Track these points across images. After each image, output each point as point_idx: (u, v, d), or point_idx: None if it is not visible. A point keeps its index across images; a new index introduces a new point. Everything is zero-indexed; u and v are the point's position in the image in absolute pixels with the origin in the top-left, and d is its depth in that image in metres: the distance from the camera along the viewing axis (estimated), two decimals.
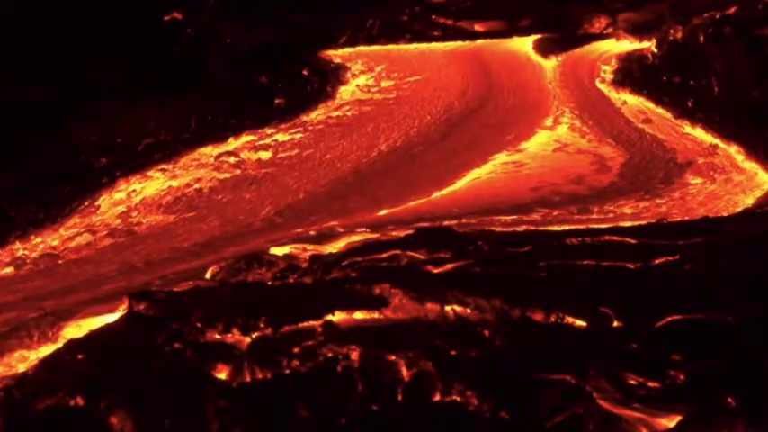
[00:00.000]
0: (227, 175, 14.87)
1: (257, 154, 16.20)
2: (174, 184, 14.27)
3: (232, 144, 16.96)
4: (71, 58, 16.97)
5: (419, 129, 18.31)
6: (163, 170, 15.19)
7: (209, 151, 16.64)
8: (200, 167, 15.42)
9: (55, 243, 12.61)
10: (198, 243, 12.01)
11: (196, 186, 14.01)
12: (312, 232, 12.17)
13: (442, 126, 18.65)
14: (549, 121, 19.22)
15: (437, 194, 14.54)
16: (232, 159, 15.76)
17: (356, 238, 12.18)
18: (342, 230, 12.12)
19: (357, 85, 21.27)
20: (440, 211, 13.54)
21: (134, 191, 14.28)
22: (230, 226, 12.64)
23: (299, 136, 17.37)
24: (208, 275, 10.98)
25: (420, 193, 14.40)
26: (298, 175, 15.15)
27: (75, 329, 9.24)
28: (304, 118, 18.75)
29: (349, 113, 19.25)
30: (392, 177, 15.20)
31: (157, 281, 10.60)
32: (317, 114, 19.10)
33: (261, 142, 16.97)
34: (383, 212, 13.44)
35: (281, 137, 17.36)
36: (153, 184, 14.24)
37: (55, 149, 15.57)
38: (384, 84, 21.44)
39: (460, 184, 15.26)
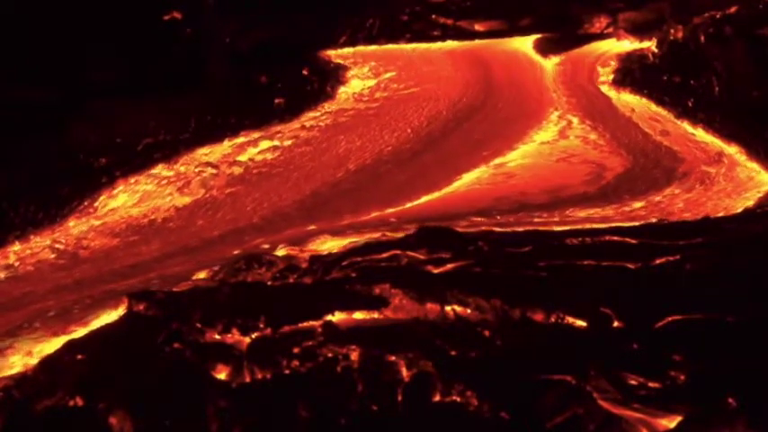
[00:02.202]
0: (187, 200, 14.69)
1: (231, 169, 16.06)
2: (135, 212, 14.21)
3: (215, 153, 16.82)
4: (71, 58, 16.97)
5: (394, 145, 17.61)
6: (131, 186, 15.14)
7: (198, 157, 16.57)
8: (169, 184, 15.26)
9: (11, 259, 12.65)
10: (127, 265, 12.15)
11: (152, 217, 13.97)
12: (236, 251, 12.14)
13: (420, 141, 17.97)
14: (554, 132, 18.60)
15: (376, 213, 14.12)
16: (209, 171, 15.61)
17: (355, 238, 12.18)
18: (267, 246, 12.11)
19: (351, 92, 20.96)
20: (373, 222, 13.30)
21: (103, 211, 14.22)
22: (169, 247, 12.75)
23: (269, 156, 16.89)
24: (203, 275, 10.98)
25: (365, 213, 14.04)
26: (259, 197, 14.93)
27: (26, 358, 9.01)
28: (278, 128, 18.34)
29: (324, 125, 18.72)
30: (349, 199, 14.74)
31: (87, 300, 10.64)
32: (291, 126, 18.61)
33: (238, 158, 16.58)
34: (312, 227, 13.27)
35: (255, 152, 17.00)
36: (117, 211, 14.18)
37: (55, 149, 15.57)
38: (378, 94, 20.89)
39: (418, 202, 14.76)
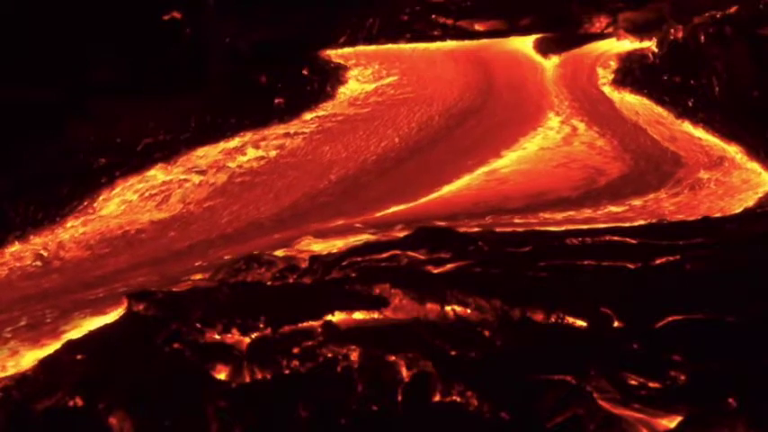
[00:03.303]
0: (165, 215, 14.46)
1: (216, 176, 15.88)
2: (113, 224, 14.11)
3: (208, 158, 16.74)
4: (71, 58, 16.97)
5: (380, 154, 17.12)
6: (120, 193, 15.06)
7: (193, 160, 16.53)
8: (147, 200, 15.04)
9: None
10: (96, 276, 12.18)
11: (127, 229, 13.90)
12: (199, 263, 12.13)
13: (408, 149, 17.50)
14: (556, 139, 18.10)
15: (341, 221, 13.91)
16: (194, 179, 15.36)
17: (356, 238, 12.18)
18: (228, 258, 12.06)
19: (345, 95, 20.66)
20: (337, 230, 13.20)
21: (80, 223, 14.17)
22: (136, 259, 12.75)
23: (255, 165, 16.61)
24: (199, 276, 10.95)
25: (333, 223, 13.86)
26: (237, 210, 14.71)
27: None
28: (270, 132, 18.13)
29: (313, 132, 18.28)
30: (324, 211, 14.39)
31: (57, 310, 10.68)
32: (285, 130, 18.36)
33: (230, 164, 16.43)
34: (277, 236, 13.15)
35: (244, 159, 16.76)
36: (97, 222, 14.11)
37: (54, 149, 15.57)
38: (372, 98, 20.52)
39: (388, 211, 14.42)
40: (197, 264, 12.09)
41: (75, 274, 12.30)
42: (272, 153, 17.33)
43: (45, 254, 12.93)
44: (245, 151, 17.30)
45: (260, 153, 17.29)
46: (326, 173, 16.37)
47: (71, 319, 10.05)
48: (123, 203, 14.95)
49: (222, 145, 17.42)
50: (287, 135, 18.28)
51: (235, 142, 17.58)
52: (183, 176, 15.86)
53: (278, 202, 15.10)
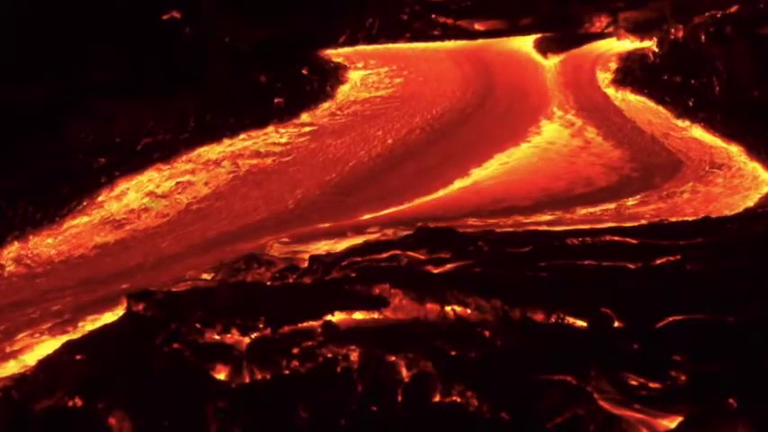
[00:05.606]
0: (110, 239, 13.89)
1: (184, 193, 15.37)
2: (64, 247, 13.91)
3: (194, 162, 16.67)
4: (71, 58, 16.97)
5: (346, 174, 16.49)
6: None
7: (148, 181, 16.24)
8: (106, 223, 14.57)
9: None
10: (30, 292, 12.04)
11: (73, 253, 13.65)
12: (125, 285, 11.89)
13: (375, 168, 16.80)
14: (558, 149, 17.69)
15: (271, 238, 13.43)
16: (155, 203, 15.02)
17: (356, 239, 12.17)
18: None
19: (328, 105, 20.28)
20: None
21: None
22: (68, 282, 12.48)
23: (224, 179, 16.13)
24: (196, 276, 10.93)
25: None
26: (185, 233, 14.10)
27: None
28: (258, 136, 17.99)
29: (283, 150, 17.67)
30: (267, 236, 13.60)
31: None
32: (272, 134, 18.22)
33: (194, 177, 16.04)
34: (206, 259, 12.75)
35: (204, 176, 16.28)
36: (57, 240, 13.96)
37: (54, 149, 15.56)
38: (354, 107, 20.06)
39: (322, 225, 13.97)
40: (124, 286, 11.81)
41: (3, 297, 12.07)
42: (246, 169, 16.79)
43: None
44: (222, 164, 16.84)
45: (232, 168, 16.81)
46: (287, 197, 15.66)
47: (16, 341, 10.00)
48: (79, 228, 14.65)
49: (215, 147, 17.28)
50: (259, 155, 17.70)
51: (216, 153, 17.32)
52: (145, 201, 15.26)
53: (229, 223, 14.45)
